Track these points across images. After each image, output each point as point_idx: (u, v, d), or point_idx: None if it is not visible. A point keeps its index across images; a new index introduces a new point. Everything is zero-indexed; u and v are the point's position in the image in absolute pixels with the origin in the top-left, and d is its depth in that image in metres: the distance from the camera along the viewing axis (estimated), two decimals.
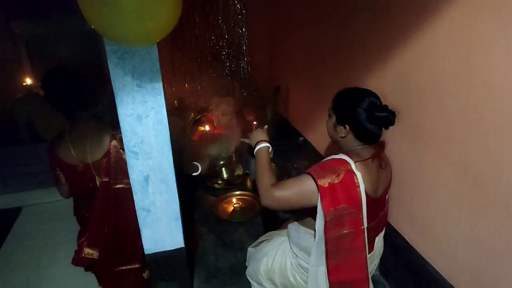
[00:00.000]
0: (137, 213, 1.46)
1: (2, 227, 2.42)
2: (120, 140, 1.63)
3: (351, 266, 1.37)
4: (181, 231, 1.53)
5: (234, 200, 2.47)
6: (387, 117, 1.30)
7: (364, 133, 1.35)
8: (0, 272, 2.07)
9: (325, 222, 1.27)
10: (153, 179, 1.41)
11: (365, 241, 1.34)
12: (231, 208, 2.39)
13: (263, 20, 3.26)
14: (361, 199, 1.28)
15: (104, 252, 1.69)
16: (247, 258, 1.87)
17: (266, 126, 1.67)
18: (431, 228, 1.45)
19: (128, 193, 1.50)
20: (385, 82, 1.64)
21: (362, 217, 1.31)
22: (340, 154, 1.35)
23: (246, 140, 1.64)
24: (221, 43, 3.30)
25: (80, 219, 1.87)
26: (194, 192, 2.56)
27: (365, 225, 1.32)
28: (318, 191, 1.26)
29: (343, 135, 1.39)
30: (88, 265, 1.77)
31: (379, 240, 1.53)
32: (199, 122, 3.08)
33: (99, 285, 1.80)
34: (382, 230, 1.55)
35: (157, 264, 1.57)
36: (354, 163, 1.30)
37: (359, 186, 1.27)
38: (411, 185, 1.54)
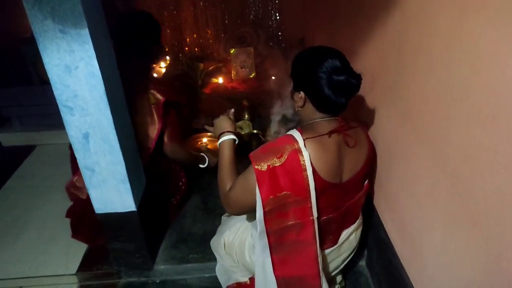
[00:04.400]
0: (81, 172, 1.36)
1: (12, 164, 2.53)
2: (152, 95, 1.65)
3: (299, 261, 1.17)
4: (131, 195, 1.42)
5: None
6: (348, 81, 1.01)
7: (322, 100, 1.08)
8: None
9: (264, 212, 1.07)
10: (94, 137, 1.29)
11: (315, 234, 1.12)
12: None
13: None
14: (309, 185, 1.05)
15: None
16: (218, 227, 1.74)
17: (232, 110, 1.42)
18: (408, 226, 1.18)
19: None
20: (385, 45, 1.30)
21: (311, 205, 1.08)
22: (293, 130, 1.11)
23: (211, 129, 1.42)
24: None
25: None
26: None
27: (315, 215, 1.09)
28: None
29: (300, 104, 1.13)
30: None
31: (348, 233, 1.29)
32: (213, 74, 2.88)
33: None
34: (353, 222, 1.30)
35: (109, 224, 1.50)
36: (304, 140, 1.05)
37: (306, 169, 1.03)
38: (398, 172, 1.25)
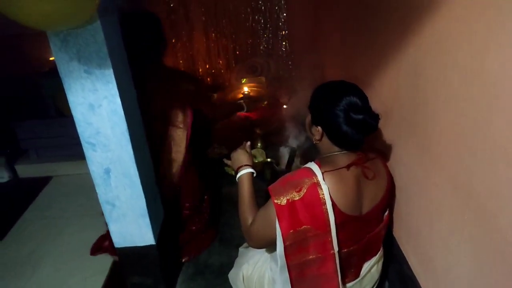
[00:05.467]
0: (102, 207, 1.38)
1: (29, 195, 2.56)
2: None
3: None
4: (150, 229, 1.42)
5: None
6: (364, 121, 1.02)
7: (339, 136, 1.09)
8: (15, 240, 2.18)
9: (285, 247, 1.06)
10: (115, 172, 1.31)
11: (336, 267, 1.11)
12: None
13: None
14: (329, 219, 1.04)
15: None
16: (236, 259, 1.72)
17: (248, 143, 1.44)
18: (432, 260, 1.16)
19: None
20: (400, 75, 1.32)
21: (331, 239, 1.07)
22: (311, 163, 1.11)
23: (229, 162, 1.44)
24: (257, 17, 3.06)
25: None
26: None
27: (336, 249, 1.08)
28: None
29: (317, 138, 1.14)
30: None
31: (370, 266, 1.28)
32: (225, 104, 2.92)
33: None
34: (374, 255, 1.29)
35: (128, 258, 1.50)
36: (322, 173, 1.06)
37: (326, 203, 1.03)
38: (417, 204, 1.24)
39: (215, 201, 2.08)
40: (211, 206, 1.95)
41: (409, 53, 1.22)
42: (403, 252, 1.38)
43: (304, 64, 3.09)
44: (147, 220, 1.41)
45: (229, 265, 1.64)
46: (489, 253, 0.85)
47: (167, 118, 1.66)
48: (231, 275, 1.59)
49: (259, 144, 2.71)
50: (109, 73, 1.15)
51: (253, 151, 2.67)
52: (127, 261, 1.51)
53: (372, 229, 1.21)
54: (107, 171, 1.31)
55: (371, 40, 1.63)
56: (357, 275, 1.25)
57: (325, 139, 1.14)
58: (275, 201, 1.05)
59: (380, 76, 1.50)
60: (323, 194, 1.04)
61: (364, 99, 1.09)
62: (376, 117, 1.05)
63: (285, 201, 1.04)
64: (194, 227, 1.87)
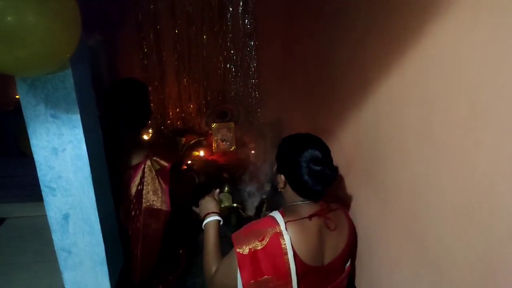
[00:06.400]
0: (57, 254, 1.31)
1: None
2: (155, 162, 1.60)
3: None
4: (107, 277, 1.36)
5: None
6: (323, 172, 1.08)
7: (301, 186, 1.13)
8: None
9: None
10: (74, 218, 1.27)
11: None
12: None
13: (277, 41, 3.08)
14: (290, 269, 1.05)
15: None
16: None
17: (217, 191, 1.46)
18: None
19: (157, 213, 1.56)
20: (360, 127, 1.39)
21: None
22: (275, 212, 1.14)
23: (197, 209, 1.44)
24: (228, 66, 3.17)
25: None
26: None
27: None
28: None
29: (281, 186, 1.18)
30: None
31: None
32: (195, 147, 2.94)
33: None
34: None
35: None
36: (285, 223, 1.08)
37: (287, 253, 1.04)
38: (379, 255, 1.27)
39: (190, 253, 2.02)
40: (187, 259, 1.89)
41: (368, 108, 1.30)
42: None
43: (272, 112, 3.20)
44: (105, 268, 1.35)
45: None
46: None
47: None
48: None
49: (226, 189, 2.71)
50: (76, 118, 1.15)
51: (220, 196, 2.66)
52: None
53: (333, 280, 1.22)
54: (66, 217, 1.26)
55: (333, 91, 1.72)
56: None
57: (289, 188, 1.18)
58: (238, 250, 1.05)
59: (343, 127, 1.58)
60: (285, 244, 1.05)
61: (326, 152, 1.14)
62: (334, 169, 1.10)
63: (248, 251, 1.04)
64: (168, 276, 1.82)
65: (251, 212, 2.43)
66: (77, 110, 1.14)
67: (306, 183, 1.11)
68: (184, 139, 2.81)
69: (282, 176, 1.18)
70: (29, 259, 2.16)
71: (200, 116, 3.29)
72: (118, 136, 1.57)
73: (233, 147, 3.06)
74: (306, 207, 1.15)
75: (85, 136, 1.17)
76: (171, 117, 3.29)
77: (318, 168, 1.09)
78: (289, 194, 1.19)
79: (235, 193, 2.63)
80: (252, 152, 2.92)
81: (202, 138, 3.03)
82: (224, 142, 3.05)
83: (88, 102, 1.24)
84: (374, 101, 1.25)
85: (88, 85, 1.26)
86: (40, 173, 1.20)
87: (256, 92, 3.26)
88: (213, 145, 3.04)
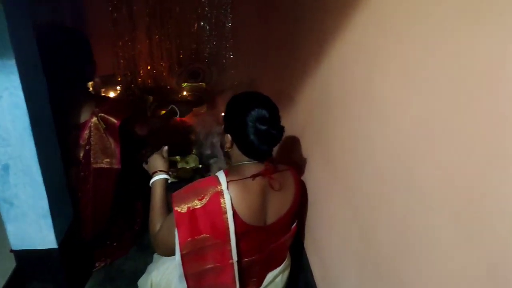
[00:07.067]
0: None
1: None
2: (102, 119, 1.52)
3: None
4: (52, 231, 1.35)
5: None
6: (268, 132, 1.05)
7: (246, 145, 1.11)
8: None
9: (182, 255, 1.05)
10: (14, 169, 1.23)
11: (235, 277, 1.12)
12: None
13: (252, 2, 2.97)
14: (228, 228, 1.05)
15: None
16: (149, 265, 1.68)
17: (166, 148, 1.41)
18: (329, 270, 1.20)
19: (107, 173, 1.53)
20: (314, 91, 1.37)
21: (231, 249, 1.08)
22: (220, 171, 1.12)
23: (146, 167, 1.40)
24: (203, 24, 3.06)
25: None
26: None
27: (235, 258, 1.09)
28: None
29: (228, 146, 1.16)
30: None
31: (274, 275, 1.29)
32: (162, 107, 2.87)
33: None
34: (279, 265, 1.31)
35: (27, 262, 1.40)
36: (227, 182, 1.06)
37: (226, 212, 1.04)
38: (321, 215, 1.29)
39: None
40: (144, 214, 1.88)
41: (322, 73, 1.27)
42: (310, 262, 1.42)
43: (244, 74, 3.13)
44: (49, 221, 1.33)
45: (143, 271, 1.59)
46: (369, 267, 0.90)
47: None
48: (141, 281, 1.54)
49: (193, 150, 2.69)
50: (11, 64, 1.08)
51: (187, 157, 2.64)
52: (26, 265, 1.41)
53: (276, 240, 1.23)
54: (6, 167, 1.23)
55: (296, 56, 1.68)
56: (259, 284, 1.26)
57: (235, 148, 1.15)
58: (176, 208, 1.04)
59: (301, 90, 1.55)
60: (224, 203, 1.04)
61: (273, 111, 1.12)
62: (280, 129, 1.08)
63: (186, 209, 1.03)
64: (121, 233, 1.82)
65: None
66: (12, 55, 1.07)
67: (252, 142, 1.09)
68: (152, 98, 2.73)
69: (229, 136, 1.15)
70: None
71: (172, 75, 3.20)
72: (60, 92, 1.47)
73: (204, 109, 3.01)
74: (252, 167, 1.14)
75: (22, 83, 1.11)
76: (142, 75, 3.20)
77: (263, 127, 1.07)
78: (236, 154, 1.17)
79: (204, 155, 2.62)
80: (222, 114, 2.87)
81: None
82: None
83: (28, 47, 1.17)
84: (327, 65, 1.22)
85: (27, 29, 1.18)
86: None
87: (231, 53, 3.17)
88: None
